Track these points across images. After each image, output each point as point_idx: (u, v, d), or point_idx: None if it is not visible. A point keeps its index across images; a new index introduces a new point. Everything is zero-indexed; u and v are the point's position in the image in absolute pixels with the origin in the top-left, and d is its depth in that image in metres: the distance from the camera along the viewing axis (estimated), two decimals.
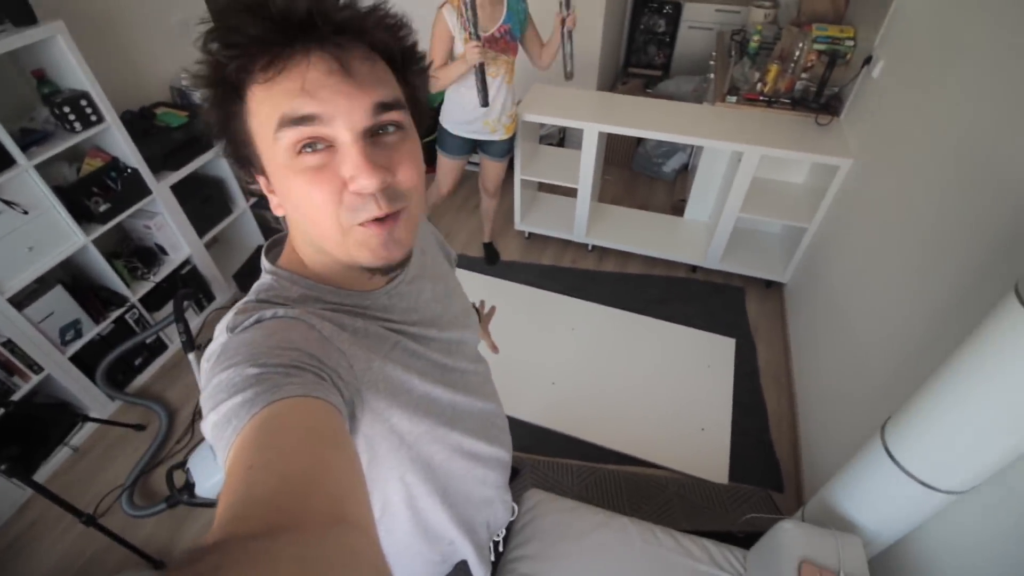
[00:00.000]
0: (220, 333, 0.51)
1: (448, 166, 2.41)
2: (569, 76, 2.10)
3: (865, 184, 1.89)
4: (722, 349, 2.32)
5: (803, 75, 2.39)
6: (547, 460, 1.91)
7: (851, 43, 2.25)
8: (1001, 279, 1.07)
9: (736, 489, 1.80)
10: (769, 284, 2.62)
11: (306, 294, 0.54)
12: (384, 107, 0.46)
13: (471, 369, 0.73)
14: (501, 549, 0.98)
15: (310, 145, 0.45)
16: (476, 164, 2.57)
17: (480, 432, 0.73)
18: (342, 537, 0.30)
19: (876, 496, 1.13)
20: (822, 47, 2.30)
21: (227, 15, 0.42)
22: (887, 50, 1.95)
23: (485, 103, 2.04)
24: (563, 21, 1.94)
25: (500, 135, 2.27)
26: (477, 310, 1.05)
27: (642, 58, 4.18)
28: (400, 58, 0.49)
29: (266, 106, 0.44)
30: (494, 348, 1.09)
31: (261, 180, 0.52)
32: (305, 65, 0.43)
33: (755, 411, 2.08)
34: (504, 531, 0.98)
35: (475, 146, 2.34)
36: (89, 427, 2.07)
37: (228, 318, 0.51)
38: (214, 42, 0.43)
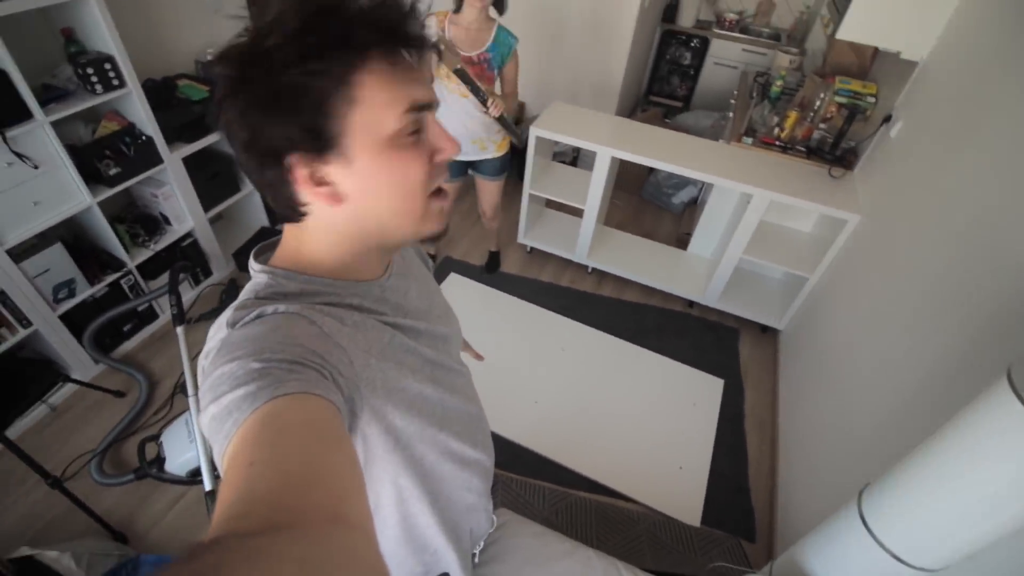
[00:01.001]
0: (219, 329, 0.51)
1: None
2: (519, 145, 2.26)
3: (871, 242, 1.89)
4: (710, 388, 2.31)
5: (821, 125, 2.41)
6: (519, 479, 1.89)
7: (872, 100, 2.27)
8: (993, 360, 1.06)
9: (707, 533, 1.79)
10: (765, 329, 2.61)
11: (304, 288, 0.55)
12: None
13: (456, 368, 0.75)
14: (477, 561, 0.97)
15: (416, 129, 0.51)
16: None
17: (466, 435, 0.74)
18: (341, 536, 0.30)
19: (846, 563, 1.11)
20: (843, 100, 2.31)
21: (373, 8, 0.46)
22: (907, 112, 1.96)
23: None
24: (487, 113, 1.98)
25: (491, 152, 2.22)
26: None
27: (664, 88, 4.21)
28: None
29: (384, 93, 0.48)
30: (478, 356, 1.10)
31: (304, 172, 0.49)
32: (418, 62, 0.51)
33: (736, 456, 2.06)
34: (483, 542, 0.98)
35: (468, 167, 2.31)
36: (69, 388, 2.06)
37: (227, 315, 0.51)
38: (345, 22, 0.45)
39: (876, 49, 2.43)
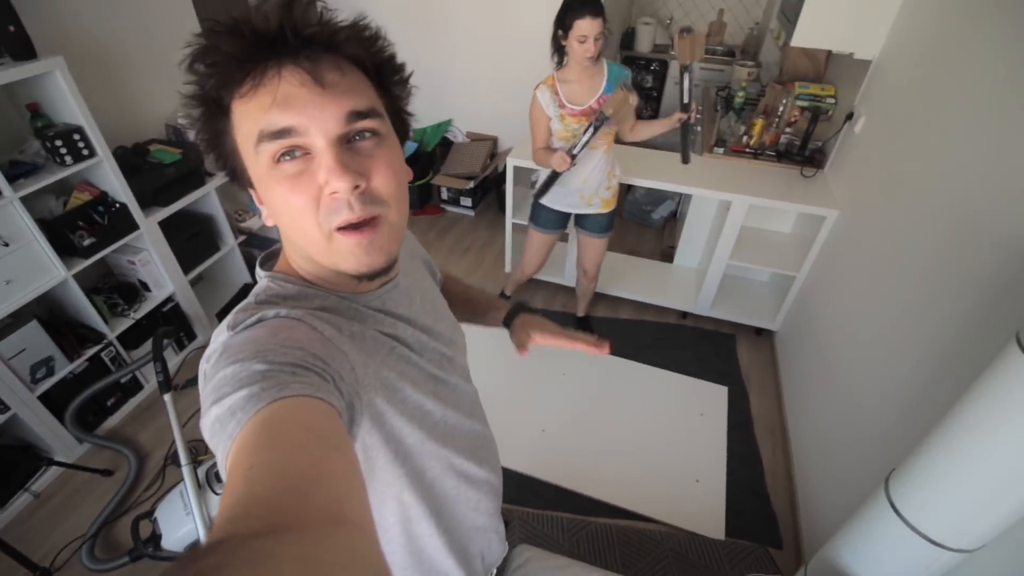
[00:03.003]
0: (220, 332, 0.51)
1: (538, 241, 2.25)
2: (686, 160, 2.09)
3: (852, 234, 1.93)
4: (715, 397, 2.29)
5: (787, 129, 2.48)
6: (536, 513, 1.83)
7: (832, 100, 2.35)
8: (998, 328, 1.07)
9: (733, 546, 1.73)
10: (760, 332, 2.62)
11: (303, 291, 0.55)
12: (358, 115, 0.48)
13: (461, 386, 0.73)
14: None
15: (288, 154, 0.47)
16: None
17: (470, 453, 0.73)
18: (343, 538, 0.30)
19: (883, 554, 1.08)
20: (805, 103, 2.39)
21: (207, 36, 0.45)
22: (868, 107, 2.03)
23: (538, 196, 2.07)
24: (681, 118, 1.90)
25: (597, 208, 2.10)
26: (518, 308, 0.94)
27: None
28: (376, 69, 0.51)
29: (247, 121, 0.47)
30: (523, 348, 0.92)
31: (253, 192, 0.53)
32: (278, 80, 0.45)
33: (750, 462, 2.03)
34: (495, 570, 0.93)
35: (567, 220, 2.19)
36: (53, 471, 1.95)
37: (228, 318, 0.51)
38: (195, 62, 0.46)
39: (829, 53, 2.54)
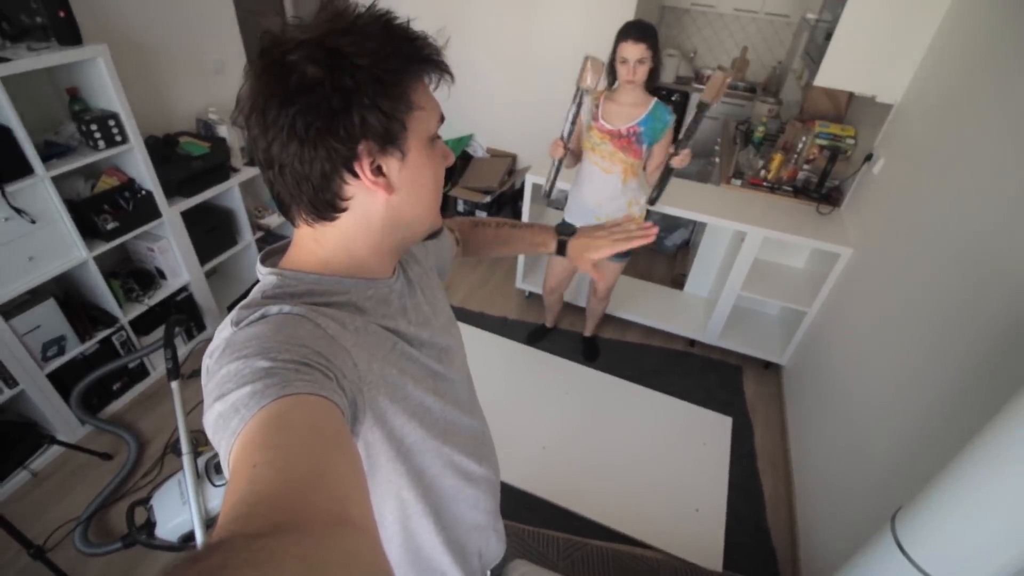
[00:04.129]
0: (223, 328, 0.51)
1: (557, 256, 2.28)
2: (651, 202, 2.08)
3: (866, 273, 1.93)
4: (718, 427, 2.28)
5: (805, 166, 2.50)
6: (532, 530, 1.81)
7: (852, 141, 2.38)
8: (1009, 374, 1.06)
9: None
10: (767, 365, 2.61)
11: (313, 288, 0.56)
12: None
13: (460, 381, 0.74)
14: None
15: (436, 137, 0.58)
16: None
17: (470, 450, 0.74)
18: (345, 538, 0.30)
19: None
20: (824, 142, 2.42)
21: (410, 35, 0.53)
22: (887, 150, 2.05)
23: (547, 195, 2.06)
24: (670, 153, 1.86)
25: None
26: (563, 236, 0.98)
27: None
28: None
29: (429, 109, 0.55)
30: (600, 276, 0.98)
31: (365, 168, 0.52)
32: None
33: (751, 495, 2.00)
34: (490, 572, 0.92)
35: None
36: (53, 451, 1.95)
37: (232, 314, 0.52)
38: (403, 51, 0.52)
39: (851, 94, 2.57)
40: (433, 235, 0.64)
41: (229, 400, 0.41)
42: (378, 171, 0.53)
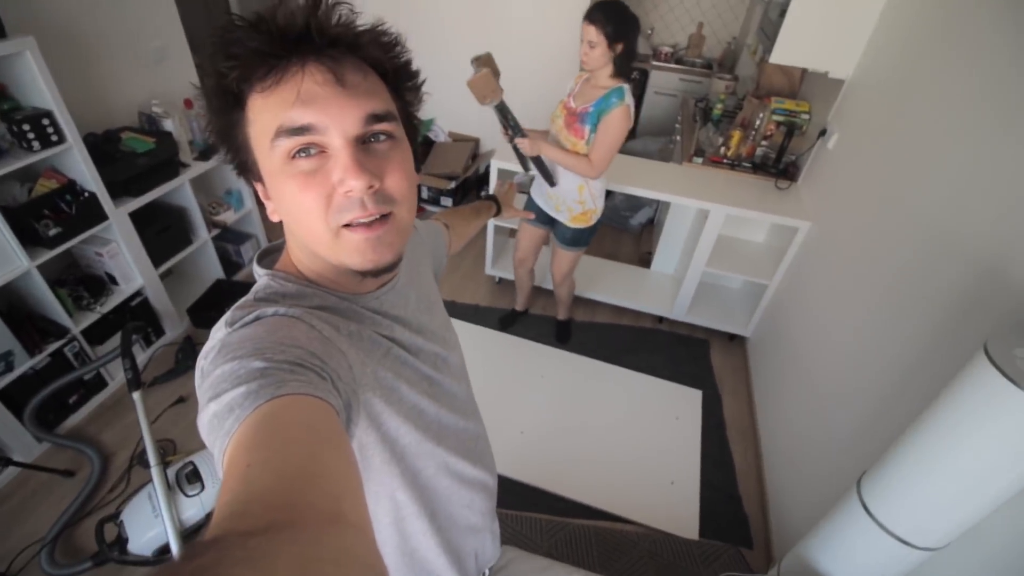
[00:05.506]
0: (218, 329, 0.51)
1: (524, 229, 2.31)
2: (525, 168, 2.10)
3: (824, 245, 2.00)
4: (690, 401, 2.35)
5: (763, 142, 2.56)
6: (514, 514, 1.83)
7: (806, 116, 2.44)
8: (964, 339, 1.13)
9: (707, 546, 1.78)
10: (732, 337, 2.69)
11: (303, 290, 0.55)
12: (376, 118, 0.49)
13: (455, 386, 0.74)
14: None
15: (304, 151, 0.47)
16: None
17: (465, 452, 0.73)
18: (339, 536, 0.30)
19: (854, 553, 1.13)
20: (780, 118, 2.47)
21: (230, 29, 0.45)
22: (840, 124, 2.12)
23: (524, 167, 2.06)
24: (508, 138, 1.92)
25: (563, 217, 2.09)
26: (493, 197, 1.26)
27: None
28: (393, 74, 0.52)
29: (264, 115, 0.47)
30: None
31: (259, 187, 0.54)
32: (300, 76, 0.46)
33: (723, 465, 2.08)
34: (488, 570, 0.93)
35: (551, 221, 2.19)
36: (10, 471, 1.85)
37: (226, 315, 0.51)
38: (217, 54, 0.46)
39: (804, 70, 2.63)
40: (374, 273, 0.52)
41: (224, 400, 0.41)
42: (266, 194, 0.54)
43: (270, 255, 0.62)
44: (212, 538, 0.26)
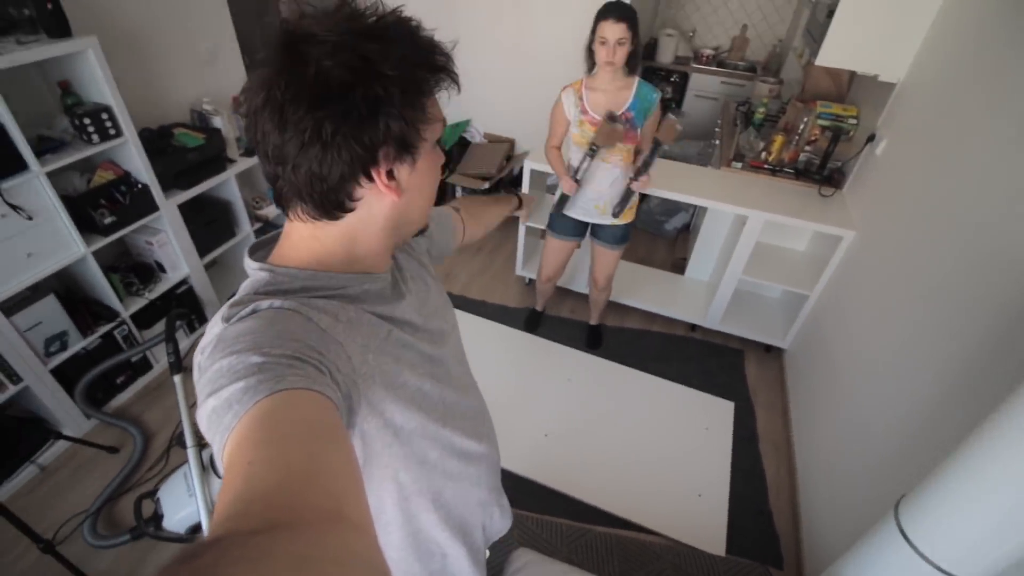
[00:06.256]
0: (214, 324, 0.51)
1: (554, 247, 2.26)
2: (558, 210, 2.13)
3: (869, 256, 1.92)
4: (721, 412, 2.28)
5: (807, 147, 2.47)
6: (536, 517, 1.82)
7: (854, 121, 2.35)
8: (1014, 358, 1.06)
9: (734, 563, 1.72)
10: (769, 349, 2.61)
11: (307, 284, 0.56)
12: None
13: (454, 361, 0.75)
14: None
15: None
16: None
17: (470, 430, 0.75)
18: (340, 535, 0.30)
19: None
20: (826, 123, 2.39)
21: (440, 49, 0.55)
22: (890, 130, 2.03)
23: (559, 207, 2.10)
24: (630, 182, 1.92)
25: (609, 219, 2.08)
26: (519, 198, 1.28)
27: None
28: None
29: (435, 111, 0.57)
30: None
31: (381, 173, 0.54)
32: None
33: (754, 479, 2.02)
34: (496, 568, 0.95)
35: (585, 229, 2.19)
36: (60, 445, 1.97)
37: (222, 310, 0.51)
38: (423, 64, 0.53)
39: (853, 74, 2.53)
40: (420, 232, 0.67)
41: (222, 396, 0.41)
42: (390, 175, 0.54)
43: (260, 250, 0.61)
44: (213, 538, 0.26)
